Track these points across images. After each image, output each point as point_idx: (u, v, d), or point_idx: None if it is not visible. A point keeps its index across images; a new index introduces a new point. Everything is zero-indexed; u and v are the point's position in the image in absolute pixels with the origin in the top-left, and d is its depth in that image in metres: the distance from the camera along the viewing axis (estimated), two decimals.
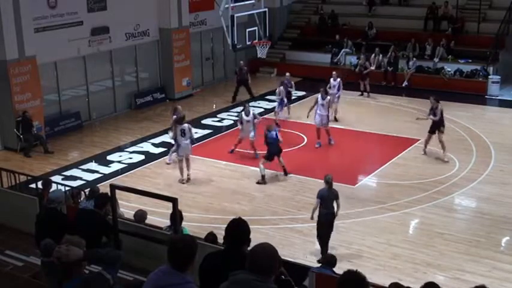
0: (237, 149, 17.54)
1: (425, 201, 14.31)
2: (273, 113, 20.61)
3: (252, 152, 17.10)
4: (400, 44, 25.53)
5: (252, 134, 16.99)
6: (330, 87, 20.02)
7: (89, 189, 11.30)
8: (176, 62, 23.35)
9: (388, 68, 24.98)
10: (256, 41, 20.35)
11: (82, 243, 5.15)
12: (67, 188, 13.08)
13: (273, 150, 15.62)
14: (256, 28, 20.37)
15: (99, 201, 8.47)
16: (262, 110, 22.13)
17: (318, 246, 12.11)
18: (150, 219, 10.63)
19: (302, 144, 18.42)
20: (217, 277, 4.63)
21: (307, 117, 18.51)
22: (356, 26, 27.74)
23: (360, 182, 15.84)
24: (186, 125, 15.71)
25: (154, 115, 21.90)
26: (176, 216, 7.76)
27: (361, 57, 23.97)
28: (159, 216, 12.20)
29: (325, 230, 11.77)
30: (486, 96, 23.15)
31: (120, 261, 5.27)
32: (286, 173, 15.99)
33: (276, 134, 15.66)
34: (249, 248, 4.40)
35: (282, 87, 20.40)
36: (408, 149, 17.79)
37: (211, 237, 9.59)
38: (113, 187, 8.14)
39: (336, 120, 20.10)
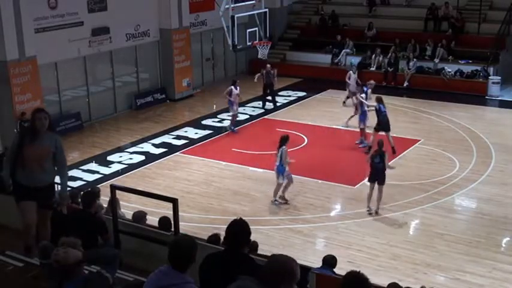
0: (237, 150, 17.57)
1: (426, 202, 14.31)
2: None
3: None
4: (400, 45, 25.55)
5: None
6: None
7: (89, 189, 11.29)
8: (176, 63, 23.35)
9: (389, 68, 25.00)
10: (257, 41, 20.37)
11: (78, 243, 5.14)
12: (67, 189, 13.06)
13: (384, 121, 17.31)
14: (256, 29, 20.40)
15: (86, 199, 8.36)
16: (263, 110, 22.17)
17: (317, 247, 12.10)
18: (151, 220, 10.63)
19: (302, 145, 18.43)
20: (217, 278, 4.63)
21: None
22: (356, 26, 27.74)
23: (360, 183, 15.82)
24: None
25: (154, 116, 21.90)
26: (177, 217, 7.75)
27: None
28: (159, 217, 12.19)
29: None
30: (486, 97, 23.15)
31: (117, 260, 5.26)
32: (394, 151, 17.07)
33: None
34: (252, 250, 4.41)
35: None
36: (409, 149, 17.80)
37: (214, 238, 9.57)
38: (113, 187, 8.14)
39: None
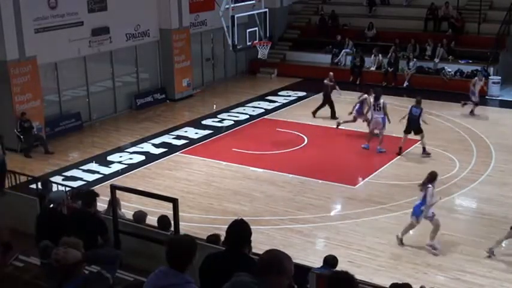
0: (237, 150, 17.54)
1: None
2: None
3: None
4: (400, 45, 25.54)
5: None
6: None
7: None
8: (176, 63, 23.34)
9: (389, 68, 24.99)
10: (257, 41, 20.34)
11: (79, 244, 5.14)
12: (67, 189, 13.07)
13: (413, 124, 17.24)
14: (256, 29, 20.36)
15: (86, 199, 8.38)
16: (263, 110, 22.15)
17: (317, 247, 12.10)
18: (151, 220, 10.63)
19: (302, 145, 18.43)
20: (217, 278, 4.63)
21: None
22: (356, 26, 27.74)
23: (360, 183, 15.83)
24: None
25: (154, 116, 21.89)
26: (177, 217, 7.75)
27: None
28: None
29: None
30: (486, 97, 23.12)
31: (118, 260, 5.26)
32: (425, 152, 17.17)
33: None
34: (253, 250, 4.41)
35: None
36: (409, 149, 17.79)
37: (213, 238, 9.57)
38: (114, 187, 8.15)
39: None
